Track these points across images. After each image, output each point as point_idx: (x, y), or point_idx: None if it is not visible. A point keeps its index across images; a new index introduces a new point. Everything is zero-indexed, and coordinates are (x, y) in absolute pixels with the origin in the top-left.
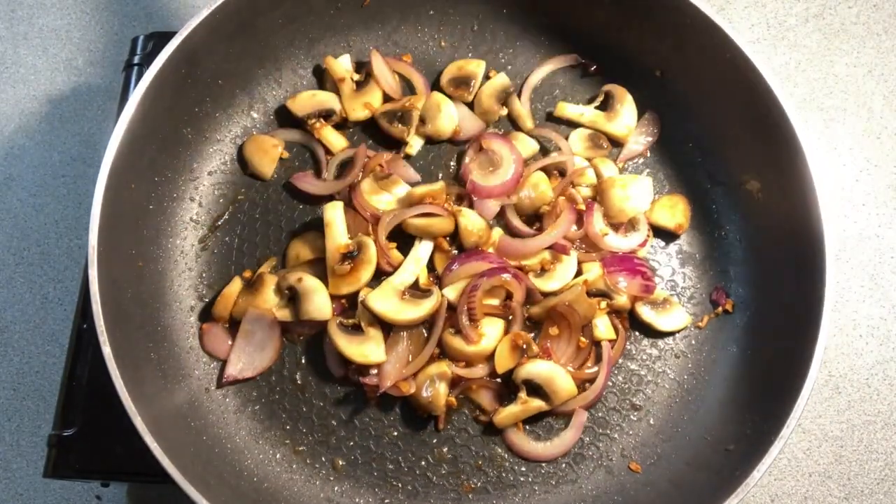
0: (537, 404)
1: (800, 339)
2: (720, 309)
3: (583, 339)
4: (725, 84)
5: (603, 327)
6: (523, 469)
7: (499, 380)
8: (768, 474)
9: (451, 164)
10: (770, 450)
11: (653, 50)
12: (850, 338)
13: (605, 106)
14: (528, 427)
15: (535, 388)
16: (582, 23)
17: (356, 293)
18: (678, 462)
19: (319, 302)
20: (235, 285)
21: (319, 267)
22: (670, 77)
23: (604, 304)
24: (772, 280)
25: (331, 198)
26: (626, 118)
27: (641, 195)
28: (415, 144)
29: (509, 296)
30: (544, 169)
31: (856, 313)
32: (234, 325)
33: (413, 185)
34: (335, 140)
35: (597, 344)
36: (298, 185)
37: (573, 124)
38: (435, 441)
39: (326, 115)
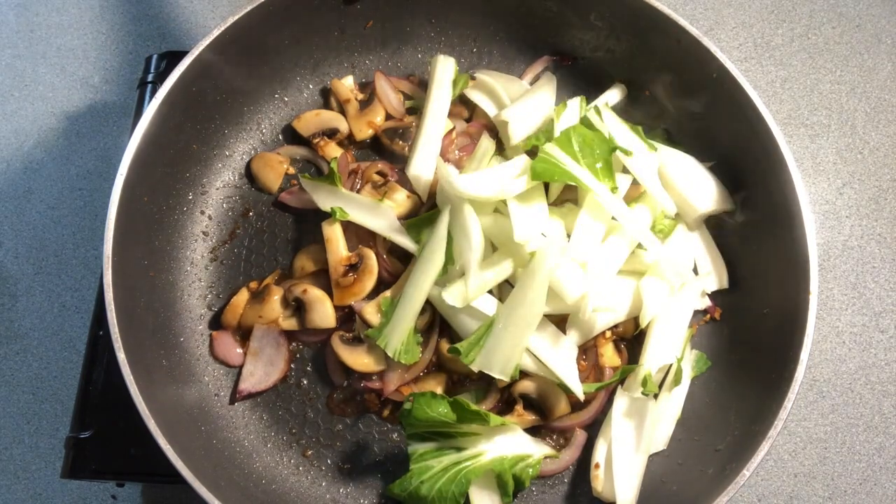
0: (532, 418)
1: (786, 345)
2: (708, 316)
3: (583, 361)
4: (713, 102)
5: (608, 355)
6: None
7: None
8: (756, 475)
9: None
10: (758, 450)
11: (643, 70)
12: (834, 344)
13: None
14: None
15: (531, 403)
16: (573, 44)
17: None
18: (671, 462)
19: (324, 311)
20: (243, 295)
21: (324, 277)
22: (659, 96)
23: (608, 332)
24: (758, 289)
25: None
26: None
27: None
28: None
29: None
30: None
31: (839, 321)
32: (242, 334)
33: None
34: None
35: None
36: (285, 201)
37: None
38: None
39: (330, 133)
